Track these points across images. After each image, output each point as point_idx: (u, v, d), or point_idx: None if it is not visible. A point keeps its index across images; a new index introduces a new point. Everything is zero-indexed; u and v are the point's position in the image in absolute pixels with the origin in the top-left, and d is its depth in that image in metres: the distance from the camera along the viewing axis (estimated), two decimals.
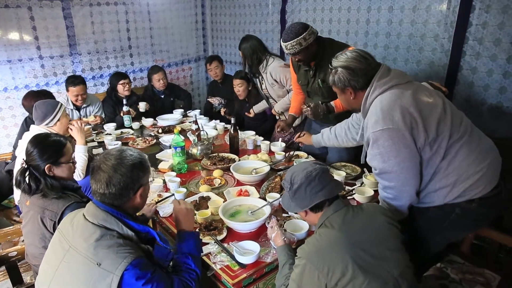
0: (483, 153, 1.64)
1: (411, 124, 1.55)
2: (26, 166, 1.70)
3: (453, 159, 1.60)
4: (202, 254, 1.58)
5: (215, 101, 4.03)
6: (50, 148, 1.73)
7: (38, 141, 1.74)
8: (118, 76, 3.73)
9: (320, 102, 2.47)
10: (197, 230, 1.70)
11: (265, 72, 3.21)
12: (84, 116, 3.55)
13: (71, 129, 2.55)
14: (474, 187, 1.60)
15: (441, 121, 1.58)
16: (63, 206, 1.65)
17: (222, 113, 3.97)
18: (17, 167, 2.26)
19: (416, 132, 1.56)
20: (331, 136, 2.34)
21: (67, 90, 3.42)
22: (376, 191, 2.12)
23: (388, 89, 1.64)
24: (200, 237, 1.71)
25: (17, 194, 2.65)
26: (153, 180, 2.22)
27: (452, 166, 1.60)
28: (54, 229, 1.64)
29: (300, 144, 2.61)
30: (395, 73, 1.68)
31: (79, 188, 1.88)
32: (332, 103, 2.47)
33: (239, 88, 3.62)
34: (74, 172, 1.86)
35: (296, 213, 1.88)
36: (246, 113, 3.56)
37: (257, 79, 3.36)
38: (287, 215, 1.90)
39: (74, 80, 3.38)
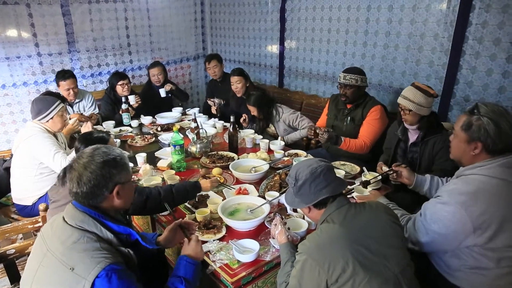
0: None
1: (481, 225, 1.44)
2: None
3: None
4: None
5: (214, 102, 4.02)
6: (97, 143, 1.78)
7: (83, 138, 1.87)
8: (117, 77, 3.73)
9: (334, 133, 2.64)
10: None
11: (279, 121, 3.33)
12: (78, 112, 3.55)
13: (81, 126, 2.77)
14: None
15: None
16: None
17: (213, 111, 3.92)
18: (56, 164, 2.43)
19: (480, 232, 1.45)
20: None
21: (58, 86, 3.40)
22: (374, 189, 2.12)
23: (499, 178, 1.46)
24: (199, 235, 1.71)
25: (14, 191, 2.64)
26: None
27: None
28: None
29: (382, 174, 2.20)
30: None
31: None
32: (342, 138, 2.64)
33: (237, 85, 3.62)
34: None
35: (296, 210, 1.88)
36: (242, 122, 3.47)
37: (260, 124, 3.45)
38: (288, 213, 1.90)
39: (64, 74, 3.37)
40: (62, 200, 1.77)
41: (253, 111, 3.31)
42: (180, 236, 1.65)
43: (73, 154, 2.52)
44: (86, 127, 2.86)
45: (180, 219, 1.72)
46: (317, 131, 2.57)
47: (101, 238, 1.23)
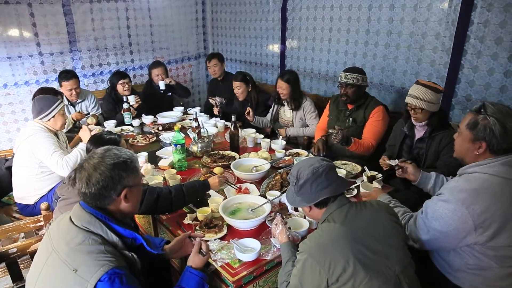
0: None
1: (482, 223, 1.42)
2: None
3: None
4: None
5: (215, 100, 4.03)
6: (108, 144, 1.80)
7: (94, 140, 1.93)
8: (118, 76, 3.74)
9: (346, 134, 2.64)
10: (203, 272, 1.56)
11: (301, 107, 3.35)
12: (80, 111, 3.55)
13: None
14: None
15: None
16: None
17: (216, 112, 3.91)
18: (52, 163, 2.46)
19: (481, 231, 1.43)
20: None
21: (61, 86, 3.43)
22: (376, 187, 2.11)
23: (502, 177, 1.45)
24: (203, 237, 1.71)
25: (16, 190, 2.65)
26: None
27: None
28: None
29: (383, 167, 2.27)
30: None
31: None
32: (352, 139, 2.64)
33: (238, 90, 3.65)
34: None
35: (297, 210, 1.89)
36: (246, 115, 3.50)
37: (282, 107, 3.48)
38: (289, 213, 1.90)
39: (67, 75, 3.40)
40: (73, 198, 1.76)
41: (284, 88, 3.27)
42: (187, 249, 1.66)
43: (73, 153, 2.53)
44: (84, 130, 2.80)
45: (190, 231, 1.73)
46: (330, 131, 2.58)
47: (106, 241, 1.23)
